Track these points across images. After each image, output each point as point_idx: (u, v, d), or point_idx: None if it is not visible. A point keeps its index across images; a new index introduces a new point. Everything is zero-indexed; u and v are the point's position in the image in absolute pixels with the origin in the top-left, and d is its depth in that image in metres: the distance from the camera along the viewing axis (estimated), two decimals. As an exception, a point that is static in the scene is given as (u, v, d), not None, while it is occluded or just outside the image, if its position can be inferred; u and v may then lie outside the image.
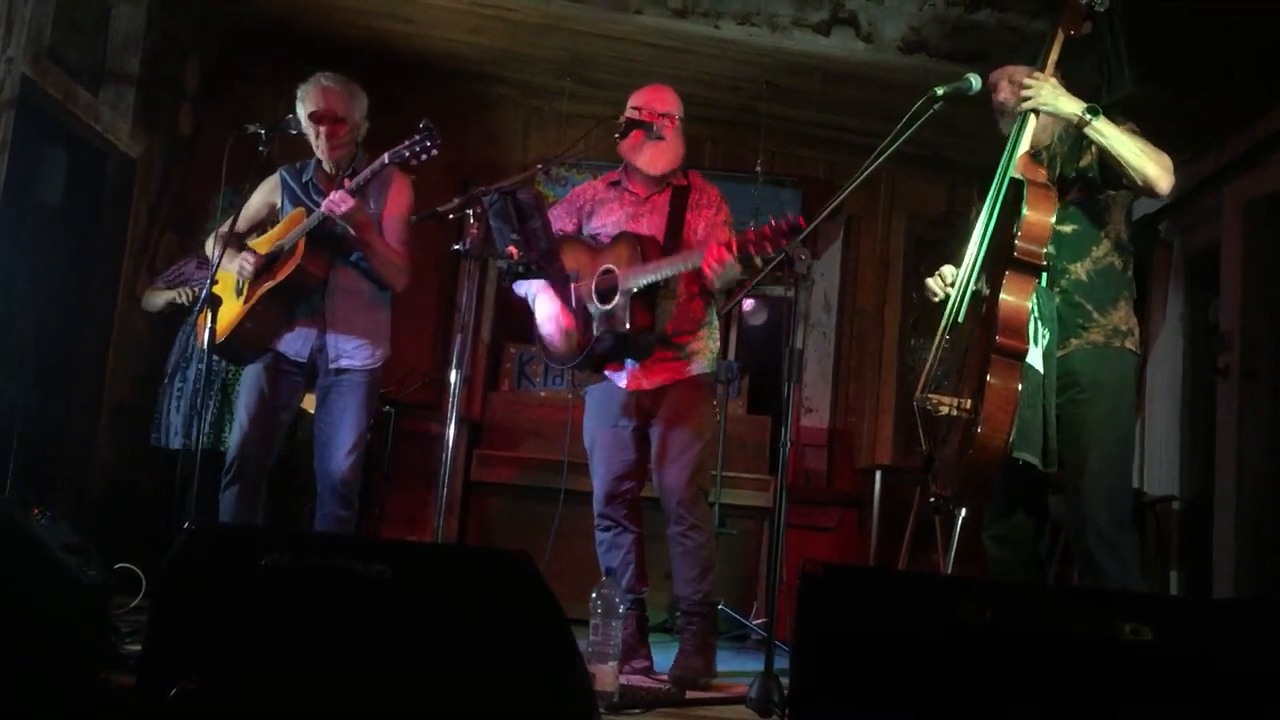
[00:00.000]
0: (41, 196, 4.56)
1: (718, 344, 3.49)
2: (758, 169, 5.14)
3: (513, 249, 3.01)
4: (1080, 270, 2.83)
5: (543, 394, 5.42)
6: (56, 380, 4.67)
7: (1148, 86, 4.14)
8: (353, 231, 3.28)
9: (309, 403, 3.64)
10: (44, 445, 4.58)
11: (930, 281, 3.02)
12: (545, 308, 3.42)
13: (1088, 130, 2.68)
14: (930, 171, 5.65)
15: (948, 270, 2.99)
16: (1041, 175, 2.76)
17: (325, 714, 1.79)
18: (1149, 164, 2.66)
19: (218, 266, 3.38)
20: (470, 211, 3.02)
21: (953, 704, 1.67)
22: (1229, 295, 4.65)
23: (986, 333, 2.65)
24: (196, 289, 4.45)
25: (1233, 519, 4.44)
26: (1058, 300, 2.79)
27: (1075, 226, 2.84)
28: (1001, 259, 2.69)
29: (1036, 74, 2.76)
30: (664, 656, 3.43)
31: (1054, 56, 2.79)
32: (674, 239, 3.31)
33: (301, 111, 3.42)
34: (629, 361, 3.35)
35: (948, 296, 2.90)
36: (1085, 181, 2.84)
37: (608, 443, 3.40)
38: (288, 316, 3.43)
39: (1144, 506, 4.79)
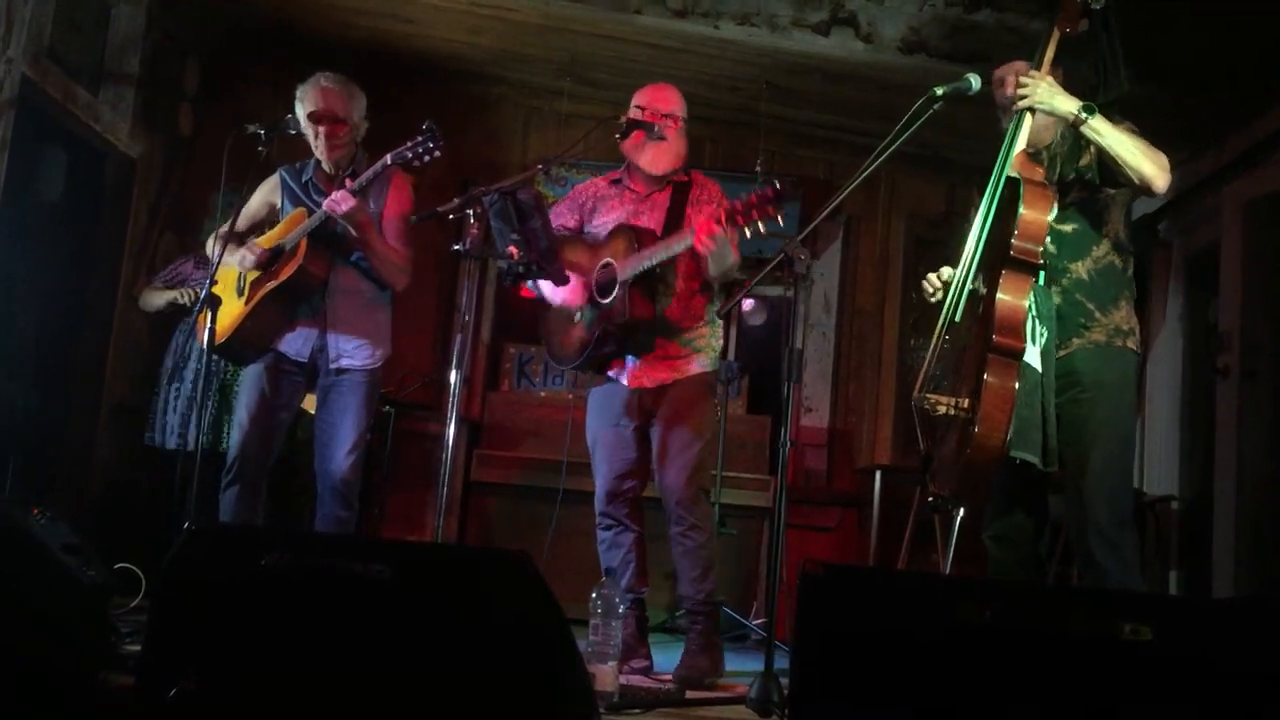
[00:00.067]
0: (41, 197, 4.56)
1: (720, 342, 3.49)
2: (757, 169, 5.14)
3: (513, 249, 3.01)
4: (1082, 269, 2.83)
5: (542, 394, 5.42)
6: (56, 380, 4.67)
7: (1147, 86, 4.16)
8: (354, 232, 3.28)
9: (309, 403, 3.64)
10: (44, 445, 4.58)
11: (925, 281, 3.02)
12: (558, 295, 3.41)
13: (1084, 129, 2.68)
14: (930, 171, 5.66)
15: (946, 271, 2.99)
16: (1038, 174, 2.76)
17: (325, 714, 1.79)
18: (1145, 162, 2.67)
19: (217, 266, 3.38)
20: (470, 211, 3.02)
21: (952, 704, 1.67)
22: (1228, 295, 4.65)
23: (984, 331, 2.64)
24: (197, 289, 4.44)
25: (1232, 519, 4.44)
26: (1059, 299, 2.79)
27: (1075, 225, 2.84)
28: (998, 258, 2.69)
29: (1033, 72, 2.76)
30: (664, 656, 3.43)
31: (1050, 55, 2.79)
32: (673, 232, 3.30)
33: (301, 112, 3.42)
34: (630, 359, 3.35)
35: (943, 296, 2.90)
36: (1085, 181, 2.84)
37: (609, 441, 3.41)
38: (289, 317, 3.43)
39: (1143, 506, 4.79)
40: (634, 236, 3.25)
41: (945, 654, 1.68)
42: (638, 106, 3.39)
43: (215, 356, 3.55)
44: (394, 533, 5.09)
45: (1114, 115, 2.72)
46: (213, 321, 3.32)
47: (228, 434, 4.10)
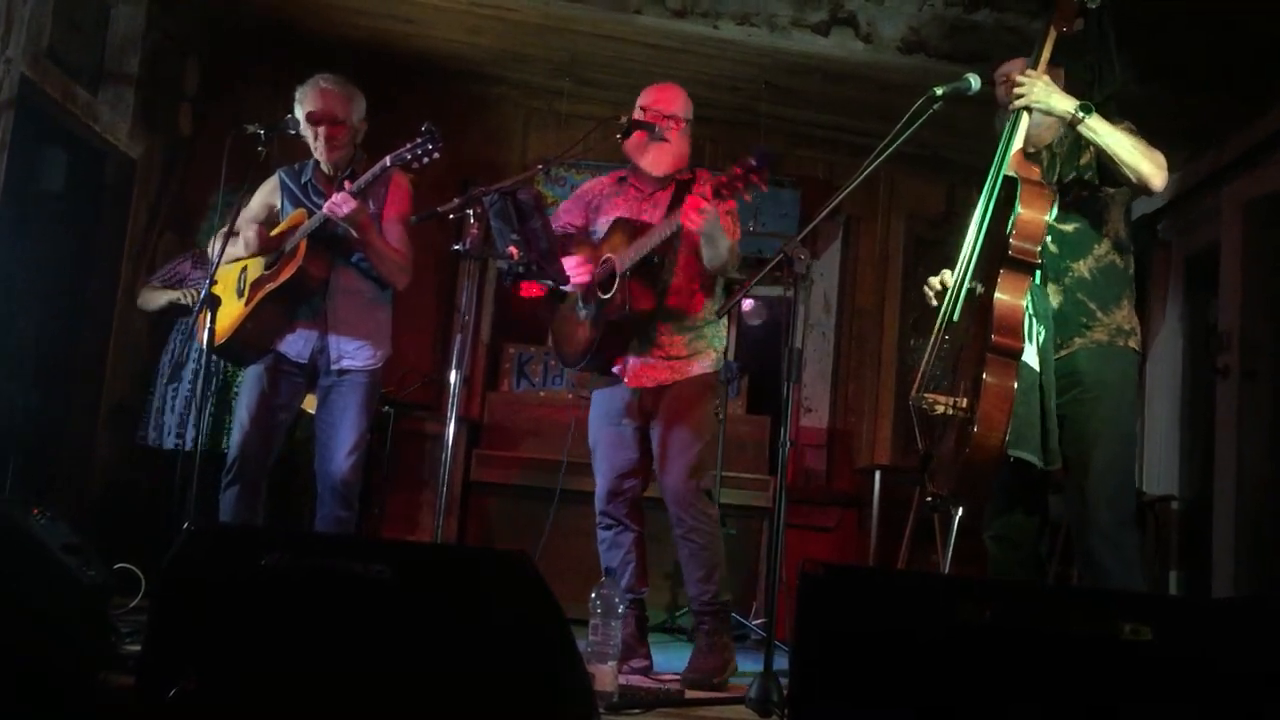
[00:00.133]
0: (41, 197, 4.56)
1: (723, 344, 3.47)
2: (757, 169, 5.13)
3: (513, 249, 3.01)
4: (1083, 268, 2.83)
5: (542, 394, 5.42)
6: (56, 380, 4.67)
7: (1147, 86, 4.16)
8: (354, 233, 3.28)
9: (309, 403, 3.64)
10: (44, 445, 4.58)
11: (926, 286, 3.02)
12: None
13: (1080, 128, 2.69)
14: (929, 171, 5.66)
15: (947, 274, 2.99)
16: (1035, 173, 2.75)
17: (325, 714, 1.79)
18: (1143, 161, 2.67)
19: (217, 266, 3.38)
20: (470, 211, 3.02)
21: (952, 704, 1.67)
22: (1228, 295, 4.65)
23: (982, 331, 2.64)
24: (197, 289, 4.43)
25: (1232, 519, 4.44)
26: (1061, 299, 2.79)
27: (1076, 225, 2.84)
28: (996, 257, 2.69)
29: (1029, 71, 2.76)
30: (663, 656, 3.43)
31: (1046, 54, 2.79)
32: None
33: (300, 113, 3.42)
34: (632, 359, 3.34)
35: (940, 301, 2.90)
36: (1085, 180, 2.84)
37: (610, 441, 3.41)
38: (289, 318, 3.43)
39: (1143, 506, 4.79)
40: (630, 229, 3.26)
41: (945, 654, 1.68)
42: (641, 107, 3.39)
43: (214, 357, 3.55)
44: (394, 533, 5.09)
45: (1112, 114, 2.73)
46: (212, 322, 3.32)
47: (228, 434, 4.10)
